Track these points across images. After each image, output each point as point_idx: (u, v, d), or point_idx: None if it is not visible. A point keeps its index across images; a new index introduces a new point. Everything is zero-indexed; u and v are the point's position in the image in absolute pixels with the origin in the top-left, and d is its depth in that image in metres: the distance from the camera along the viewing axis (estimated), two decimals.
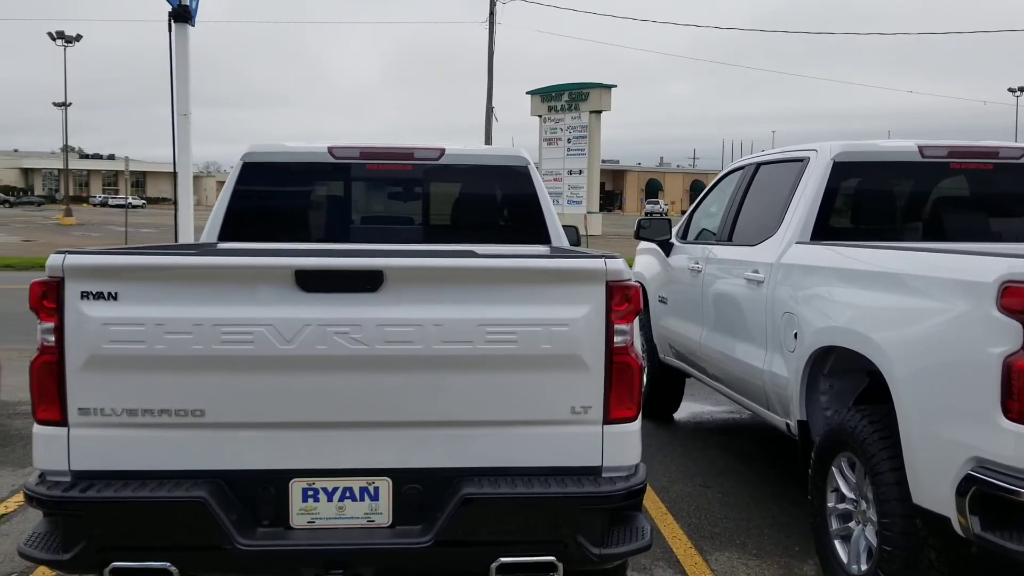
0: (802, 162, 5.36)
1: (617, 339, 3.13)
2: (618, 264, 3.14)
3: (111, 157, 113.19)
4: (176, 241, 9.43)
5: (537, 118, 47.57)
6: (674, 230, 7.30)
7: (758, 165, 6.12)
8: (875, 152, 5.18)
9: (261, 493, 3.10)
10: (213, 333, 3.00)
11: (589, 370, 3.12)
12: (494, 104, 32.68)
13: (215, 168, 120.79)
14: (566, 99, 47.02)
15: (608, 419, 3.16)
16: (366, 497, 3.13)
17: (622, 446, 3.18)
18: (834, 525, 4.42)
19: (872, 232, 5.20)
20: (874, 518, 4.01)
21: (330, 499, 3.12)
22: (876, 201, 5.34)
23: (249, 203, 5.15)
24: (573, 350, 3.10)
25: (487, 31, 33.02)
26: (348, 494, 3.13)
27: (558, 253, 3.39)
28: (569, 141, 46.42)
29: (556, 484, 3.08)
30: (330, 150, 5.08)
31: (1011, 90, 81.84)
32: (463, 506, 3.02)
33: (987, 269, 3.28)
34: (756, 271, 5.31)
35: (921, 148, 5.12)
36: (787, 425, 5.05)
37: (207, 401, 3.05)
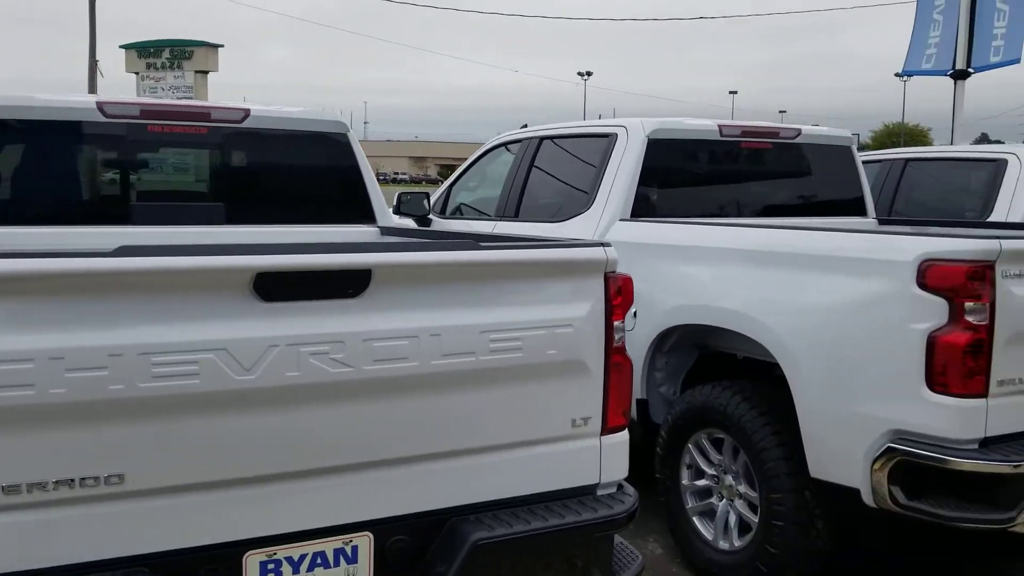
0: (608, 138, 5.29)
1: (616, 337, 2.77)
2: (615, 253, 2.77)
3: None
4: None
5: (134, 75, 43.22)
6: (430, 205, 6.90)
7: (542, 139, 5.95)
8: (684, 129, 5.28)
9: None
10: (141, 364, 2.11)
11: (591, 375, 2.73)
12: (99, 58, 28.95)
13: None
14: (167, 56, 43.18)
15: (606, 429, 2.79)
16: (341, 560, 2.44)
17: (617, 459, 2.84)
18: (691, 502, 4.45)
19: (679, 209, 5.29)
20: (750, 492, 4.09)
21: (296, 571, 2.38)
22: (682, 176, 5.44)
23: None
24: (577, 354, 2.68)
25: None
26: (320, 560, 2.41)
27: (558, 243, 2.91)
28: None
29: (570, 512, 2.65)
30: (100, 107, 3.93)
31: (580, 74, 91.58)
32: (475, 556, 2.47)
33: (906, 248, 3.42)
34: None
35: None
36: None
37: (127, 461, 2.15)
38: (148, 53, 43.10)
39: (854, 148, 5.75)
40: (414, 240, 3.89)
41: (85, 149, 4.11)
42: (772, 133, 5.46)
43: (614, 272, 2.77)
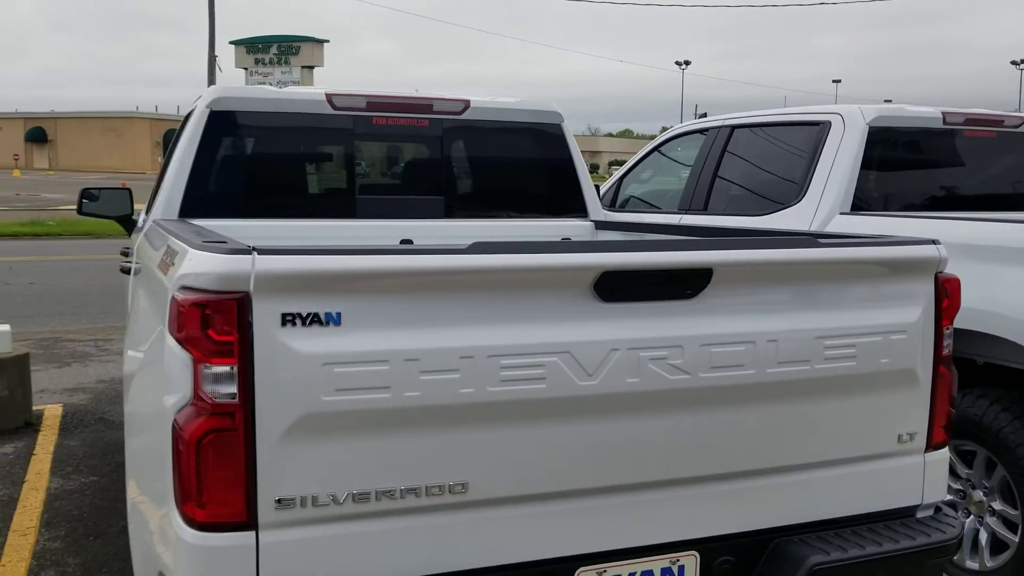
0: (820, 126, 4.99)
1: (944, 344, 2.51)
2: (946, 251, 2.51)
3: None
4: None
5: (243, 71, 44.41)
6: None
7: (733, 128, 5.67)
8: (906, 116, 4.93)
9: None
10: (491, 367, 1.96)
11: (919, 387, 2.47)
12: (217, 54, 29.78)
13: None
14: (275, 52, 44.47)
15: (930, 445, 2.53)
16: None
17: (938, 478, 2.58)
18: None
19: (900, 201, 4.95)
20: (1008, 510, 3.76)
21: None
22: (903, 166, 5.11)
23: (223, 165, 3.78)
24: (909, 363, 2.44)
25: None
26: None
27: (891, 239, 2.63)
28: None
29: (902, 536, 2.40)
30: (329, 99, 3.85)
31: (678, 63, 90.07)
32: None
33: None
34: None
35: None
36: None
37: (471, 469, 2.00)
38: (256, 49, 44.32)
39: None
40: (749, 238, 3.65)
41: (314, 142, 4.03)
42: (996, 121, 5.06)
43: (942, 272, 2.50)
